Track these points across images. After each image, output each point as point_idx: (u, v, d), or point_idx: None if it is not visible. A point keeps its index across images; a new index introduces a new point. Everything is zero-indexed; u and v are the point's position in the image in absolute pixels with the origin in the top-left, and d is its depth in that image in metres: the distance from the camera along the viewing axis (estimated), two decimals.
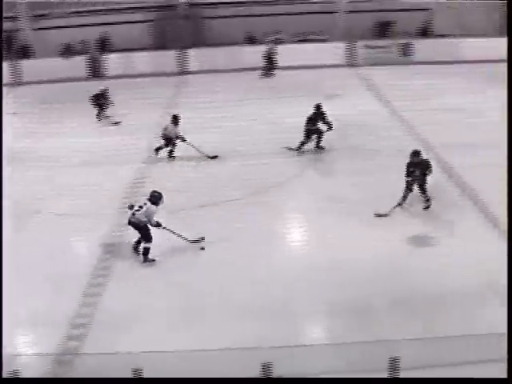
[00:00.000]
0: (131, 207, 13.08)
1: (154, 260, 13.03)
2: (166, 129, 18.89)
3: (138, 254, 13.17)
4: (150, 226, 12.92)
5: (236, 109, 22.76)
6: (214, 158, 18.79)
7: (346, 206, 14.91)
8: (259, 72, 29.08)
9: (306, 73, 29.07)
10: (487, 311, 10.97)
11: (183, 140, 18.69)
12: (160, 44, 31.75)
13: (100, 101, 22.51)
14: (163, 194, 13.02)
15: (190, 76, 29.80)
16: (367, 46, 30.55)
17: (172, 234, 13.18)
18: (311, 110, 18.84)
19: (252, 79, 27.91)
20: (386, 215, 14.45)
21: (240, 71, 28.92)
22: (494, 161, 17.62)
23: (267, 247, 13.35)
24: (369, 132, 20.17)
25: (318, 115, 18.74)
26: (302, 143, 18.87)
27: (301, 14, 31.87)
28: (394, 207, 14.57)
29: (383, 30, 32.43)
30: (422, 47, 30.02)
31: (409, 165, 14.50)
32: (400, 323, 10.68)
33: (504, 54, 28.71)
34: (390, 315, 11.01)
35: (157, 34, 32.63)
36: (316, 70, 29.04)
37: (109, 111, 22.56)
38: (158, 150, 19.07)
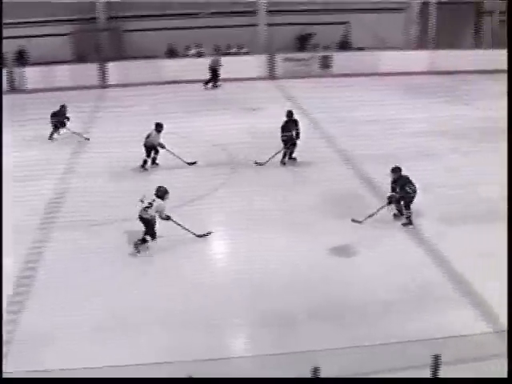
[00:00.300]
0: (142, 202, 13.31)
1: (138, 252, 13.39)
2: (149, 136, 18.75)
3: (138, 251, 13.44)
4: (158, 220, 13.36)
5: (152, 122, 22.64)
6: (193, 164, 18.86)
7: (268, 218, 14.97)
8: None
9: (227, 86, 29.20)
10: (406, 319, 11.15)
11: (163, 147, 18.69)
12: (80, 57, 31.39)
13: (57, 119, 21.70)
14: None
15: (110, 89, 29.54)
16: (287, 59, 30.85)
17: (180, 227, 13.64)
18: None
19: (172, 92, 27.78)
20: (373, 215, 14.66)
21: (160, 84, 28.79)
22: (412, 171, 18.04)
23: (189, 260, 13.28)
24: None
25: (290, 123, 18.75)
26: (284, 154, 18.90)
27: (222, 27, 31.95)
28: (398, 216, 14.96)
29: (303, 42, 32.83)
30: (341, 60, 30.47)
31: (392, 181, 14.73)
32: (321, 333, 10.74)
33: (417, 65, 29.60)
34: (311, 326, 11.06)
35: (77, 47, 32.25)
36: (237, 83, 29.20)
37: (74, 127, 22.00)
38: (143, 165, 18.89)
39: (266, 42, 31.78)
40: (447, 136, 21.16)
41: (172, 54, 32.27)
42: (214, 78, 29.64)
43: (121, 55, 31.66)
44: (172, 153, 18.77)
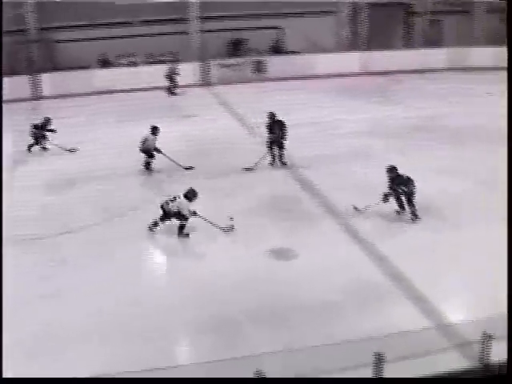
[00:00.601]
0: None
1: (188, 234, 14.51)
2: (145, 141, 18.76)
3: (153, 232, 14.68)
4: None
5: (89, 133, 22.46)
6: (190, 168, 18.80)
7: (204, 223, 14.92)
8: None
9: (162, 93, 29.07)
10: (347, 318, 11.25)
11: (159, 152, 18.69)
12: (12, 69, 30.82)
13: (39, 132, 21.11)
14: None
15: (43, 101, 29.09)
16: (221, 65, 30.84)
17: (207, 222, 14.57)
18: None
19: (106, 102, 27.52)
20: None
21: (94, 94, 28.50)
22: (350, 171, 18.26)
23: (127, 270, 13.15)
24: (225, 150, 20.30)
25: (274, 124, 18.81)
26: (273, 157, 18.99)
27: (154, 35, 31.77)
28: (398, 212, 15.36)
29: (236, 48, 32.85)
30: (275, 64, 30.60)
31: (390, 181, 15.07)
32: (265, 336, 10.76)
33: (349, 67, 29.85)
34: (255, 330, 11.06)
35: (8, 59, 31.65)
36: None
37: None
38: (147, 167, 18.94)
39: (199, 49, 31.72)
40: (382, 135, 21.43)
41: (105, 63, 31.95)
42: (172, 85, 29.52)
43: (53, 66, 31.21)
44: (168, 157, 18.75)
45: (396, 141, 20.94)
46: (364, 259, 13.30)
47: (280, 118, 19.00)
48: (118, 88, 28.77)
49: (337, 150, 19.78)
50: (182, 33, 32.18)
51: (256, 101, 26.08)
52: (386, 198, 15.12)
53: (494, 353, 9.02)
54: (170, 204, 14.46)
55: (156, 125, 19.02)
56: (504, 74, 30.63)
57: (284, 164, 18.96)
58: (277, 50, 32.96)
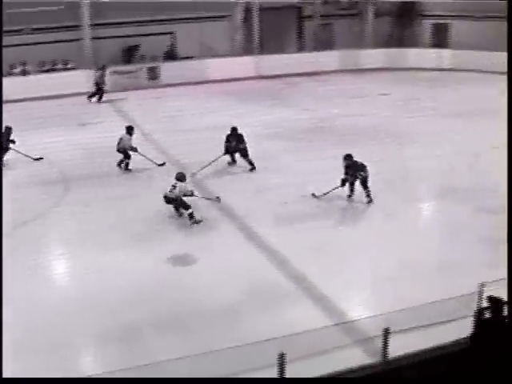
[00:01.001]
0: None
1: (201, 221, 15.32)
2: (121, 141, 18.97)
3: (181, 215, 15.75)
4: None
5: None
6: (162, 165, 19.15)
7: (105, 232, 14.73)
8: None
9: (56, 102, 28.47)
10: (248, 321, 11.31)
11: (135, 151, 18.99)
12: None
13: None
14: None
15: None
16: (115, 72, 30.45)
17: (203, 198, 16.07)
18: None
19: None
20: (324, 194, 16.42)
21: None
22: (247, 175, 18.37)
23: (27, 280, 12.81)
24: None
25: (232, 137, 19.13)
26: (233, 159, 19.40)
27: (46, 43, 31.06)
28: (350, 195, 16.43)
29: (129, 55, 32.51)
30: (169, 70, 30.46)
31: (345, 167, 16.32)
32: (169, 344, 10.67)
33: (244, 71, 29.96)
34: (158, 337, 10.97)
35: None
36: (66, 99, 28.48)
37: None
38: (126, 167, 19.18)
39: (93, 56, 31.23)
40: (277, 138, 21.65)
41: None
42: (99, 92, 28.79)
43: None
44: (144, 156, 18.86)
45: (291, 143, 21.21)
46: (263, 261, 13.39)
47: (239, 132, 19.19)
48: (12, 98, 27.99)
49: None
50: (74, 40, 31.59)
51: (151, 107, 25.97)
52: (343, 183, 16.33)
53: (393, 347, 9.21)
54: (174, 192, 15.45)
55: (131, 124, 19.57)
56: (394, 74, 31.70)
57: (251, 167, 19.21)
58: (171, 55, 32.81)
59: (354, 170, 16.26)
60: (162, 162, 19.36)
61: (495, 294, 8.71)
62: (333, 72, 32.46)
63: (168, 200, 15.68)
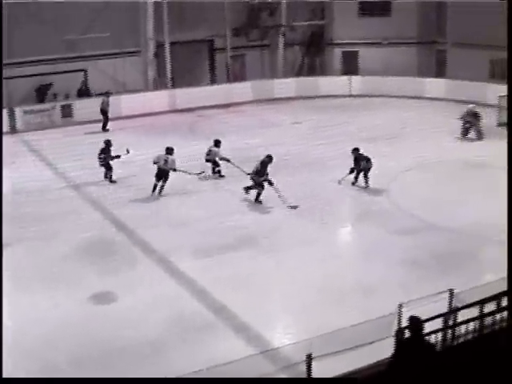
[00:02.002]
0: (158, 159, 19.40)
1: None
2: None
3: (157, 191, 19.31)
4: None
5: None
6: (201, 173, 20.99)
7: (23, 273, 14.41)
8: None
9: None
10: (169, 354, 11.22)
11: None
12: None
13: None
14: None
15: None
16: (28, 111, 29.94)
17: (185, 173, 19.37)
18: None
19: None
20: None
21: None
22: (163, 208, 18.30)
23: None
24: (37, 197, 19.73)
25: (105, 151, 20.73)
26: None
27: None
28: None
29: (42, 93, 32.04)
30: (82, 107, 30.10)
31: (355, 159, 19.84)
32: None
33: (158, 106, 29.86)
34: (77, 376, 10.73)
35: None
36: None
37: None
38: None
39: (5, 96, 30.64)
40: (196, 169, 21.65)
41: None
42: (105, 120, 28.84)
43: None
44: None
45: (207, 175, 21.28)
46: (185, 294, 13.33)
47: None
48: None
49: (150, 188, 19.75)
50: None
51: (64, 146, 25.65)
52: (351, 171, 19.80)
53: (317, 372, 9.25)
54: (167, 164, 19.28)
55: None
56: (306, 102, 32.15)
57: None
58: (83, 93, 32.49)
59: (361, 160, 19.68)
60: (199, 171, 20.68)
61: (413, 313, 8.85)
62: (246, 103, 32.72)
63: (161, 172, 19.26)
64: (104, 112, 29.03)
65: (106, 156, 20.72)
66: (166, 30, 32.97)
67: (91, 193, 19.92)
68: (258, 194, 18.75)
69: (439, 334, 9.14)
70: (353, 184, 19.89)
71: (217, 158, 21.25)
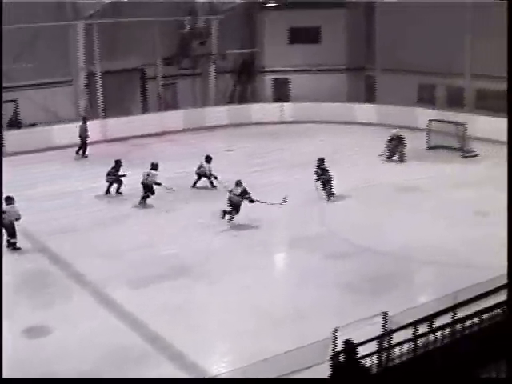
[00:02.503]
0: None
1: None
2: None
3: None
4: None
5: None
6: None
7: None
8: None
9: None
10: None
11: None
12: None
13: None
14: None
15: None
16: None
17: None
18: None
19: None
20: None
21: None
22: (96, 239, 18.11)
23: None
24: None
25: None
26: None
27: None
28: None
29: None
30: (13, 138, 29.56)
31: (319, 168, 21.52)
32: None
33: (90, 135, 29.54)
34: None
35: None
36: None
37: None
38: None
39: None
40: (129, 200, 21.52)
41: None
42: (83, 145, 29.01)
43: None
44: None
45: (141, 204, 21.14)
46: (119, 325, 13.19)
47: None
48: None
49: (84, 218, 19.56)
50: None
51: None
52: (318, 179, 21.27)
53: None
54: (149, 178, 20.66)
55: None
56: (238, 130, 32.33)
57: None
58: (15, 123, 31.95)
59: (325, 171, 21.11)
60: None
61: (348, 337, 8.93)
62: (179, 131, 32.72)
63: (144, 186, 20.78)
64: (82, 138, 29.10)
65: (115, 172, 22.19)
66: (97, 59, 32.78)
67: (24, 224, 19.56)
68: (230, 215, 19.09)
69: (374, 357, 9.23)
70: (318, 190, 21.20)
71: (207, 173, 22.84)
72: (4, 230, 17.39)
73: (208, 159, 22.99)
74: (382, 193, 22.03)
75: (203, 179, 23.03)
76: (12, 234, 17.55)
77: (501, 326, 9.99)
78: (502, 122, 28.25)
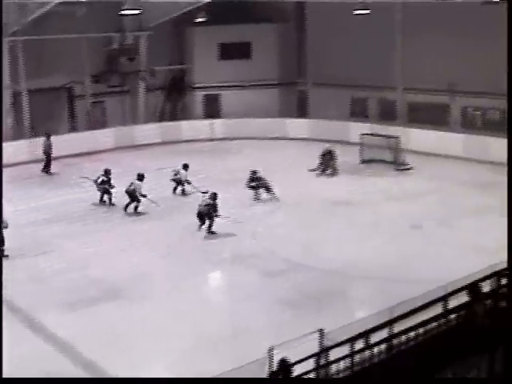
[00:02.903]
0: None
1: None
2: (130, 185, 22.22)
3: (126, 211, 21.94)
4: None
5: None
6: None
7: None
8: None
9: None
10: None
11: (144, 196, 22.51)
12: None
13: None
14: None
15: None
16: None
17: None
18: None
19: None
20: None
21: None
22: (26, 264, 17.76)
23: None
24: None
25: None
26: None
27: None
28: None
29: None
30: None
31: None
32: None
33: (16, 156, 29.10)
34: None
35: None
36: None
37: None
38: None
39: None
40: (58, 222, 21.20)
41: None
42: (48, 162, 29.24)
43: None
44: None
45: (71, 226, 20.90)
46: (50, 351, 12.97)
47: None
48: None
49: (19, 241, 19.13)
50: None
51: None
52: (254, 188, 22.77)
53: None
54: (131, 187, 21.57)
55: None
56: (169, 148, 32.25)
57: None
58: None
59: (258, 180, 23.08)
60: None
61: (286, 355, 8.94)
62: (109, 150, 32.37)
63: (128, 194, 21.75)
64: (47, 154, 29.08)
65: (105, 181, 23.24)
66: (23, 78, 32.30)
67: None
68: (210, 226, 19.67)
69: (311, 374, 9.24)
70: (256, 199, 22.88)
71: (182, 179, 24.11)
72: None
73: (185, 167, 24.38)
74: (316, 208, 22.19)
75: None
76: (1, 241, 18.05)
77: (436, 340, 10.15)
78: (434, 135, 29.30)
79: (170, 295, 15.45)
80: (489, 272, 11.42)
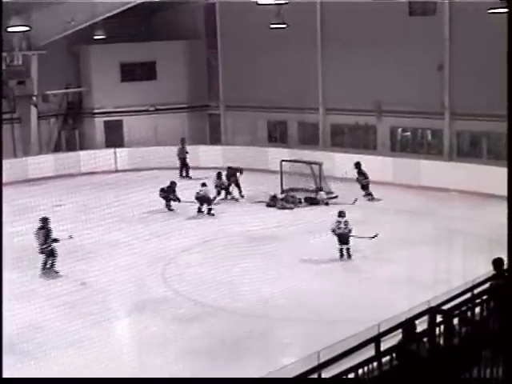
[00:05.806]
0: None
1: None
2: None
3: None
4: None
5: None
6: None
7: None
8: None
9: None
10: None
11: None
12: None
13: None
14: None
15: None
16: None
17: None
18: None
19: None
20: None
21: None
22: None
23: None
24: None
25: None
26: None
27: None
28: None
29: None
30: None
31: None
32: None
33: None
34: None
35: None
36: None
37: None
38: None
39: None
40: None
41: None
42: (185, 167, 32.84)
43: None
44: None
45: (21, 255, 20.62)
46: None
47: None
48: None
49: None
50: None
51: None
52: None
53: None
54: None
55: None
56: (67, 181, 31.81)
57: None
58: None
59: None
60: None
61: None
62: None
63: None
64: (181, 159, 32.79)
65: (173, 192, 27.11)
66: None
67: None
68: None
69: None
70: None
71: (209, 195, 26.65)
72: None
73: (204, 184, 26.77)
74: (231, 244, 22.02)
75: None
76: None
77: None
78: (360, 159, 29.55)
79: (66, 350, 15.06)
80: (425, 307, 11.54)
